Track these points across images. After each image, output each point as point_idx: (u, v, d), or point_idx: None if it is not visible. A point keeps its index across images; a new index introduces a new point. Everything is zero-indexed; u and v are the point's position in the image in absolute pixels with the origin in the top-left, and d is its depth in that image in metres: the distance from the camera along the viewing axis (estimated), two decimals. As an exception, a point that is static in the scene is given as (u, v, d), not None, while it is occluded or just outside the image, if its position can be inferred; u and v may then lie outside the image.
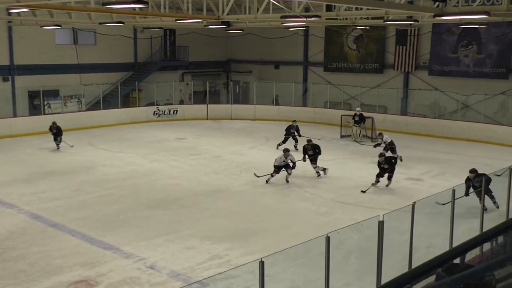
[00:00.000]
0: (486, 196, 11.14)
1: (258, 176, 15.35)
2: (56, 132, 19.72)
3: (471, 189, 11.68)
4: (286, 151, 15.26)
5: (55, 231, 11.53)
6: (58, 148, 19.71)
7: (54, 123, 19.79)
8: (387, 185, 14.92)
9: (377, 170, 14.99)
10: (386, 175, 14.94)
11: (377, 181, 14.80)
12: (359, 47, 28.35)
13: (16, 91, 24.74)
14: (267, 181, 15.20)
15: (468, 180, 11.97)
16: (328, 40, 29.21)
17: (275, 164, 15.20)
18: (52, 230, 11.56)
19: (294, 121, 20.60)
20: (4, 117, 22.81)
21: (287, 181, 15.28)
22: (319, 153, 16.23)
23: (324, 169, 16.21)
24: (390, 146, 17.69)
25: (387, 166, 14.75)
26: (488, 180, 11.27)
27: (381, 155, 14.93)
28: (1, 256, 10.19)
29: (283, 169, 15.22)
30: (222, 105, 29.08)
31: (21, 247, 10.63)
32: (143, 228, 11.74)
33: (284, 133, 20.32)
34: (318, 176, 16.00)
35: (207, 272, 9.44)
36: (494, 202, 11.99)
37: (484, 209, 11.29)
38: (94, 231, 11.48)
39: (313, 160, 16.18)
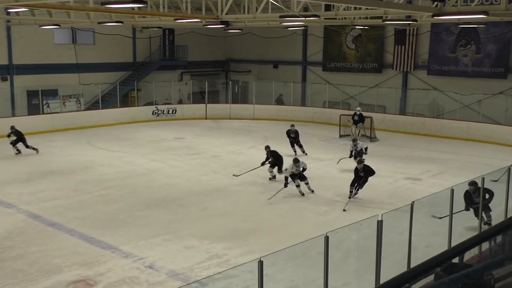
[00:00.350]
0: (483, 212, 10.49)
1: (236, 175, 15.06)
2: (16, 138, 18.55)
3: (471, 201, 10.78)
4: (295, 161, 14.23)
5: (54, 230, 11.52)
6: (18, 153, 18.58)
7: (12, 127, 18.66)
8: (349, 197, 13.69)
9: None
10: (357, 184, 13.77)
11: (351, 192, 13.75)
12: (358, 47, 28.36)
13: (15, 91, 24.72)
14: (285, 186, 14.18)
15: (467, 193, 10.79)
16: (327, 39, 29.23)
17: (286, 175, 14.27)
18: (51, 230, 11.55)
19: (292, 125, 19.47)
20: (3, 117, 22.76)
21: (312, 191, 14.37)
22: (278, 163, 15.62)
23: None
24: (362, 152, 16.61)
25: (363, 174, 13.63)
26: (491, 195, 10.60)
27: (360, 161, 14.01)
28: (0, 256, 10.19)
29: (296, 178, 14.19)
30: (221, 105, 29.08)
31: (20, 246, 10.63)
32: (142, 227, 11.74)
33: (286, 136, 19.34)
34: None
35: (206, 271, 9.45)
36: (487, 223, 10.85)
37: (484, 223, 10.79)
38: (93, 230, 11.47)
39: (275, 166, 15.66)
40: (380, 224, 7.54)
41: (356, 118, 22.14)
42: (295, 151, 18.92)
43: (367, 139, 22.16)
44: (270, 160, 15.82)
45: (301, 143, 19.17)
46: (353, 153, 16.56)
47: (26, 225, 11.81)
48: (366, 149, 16.88)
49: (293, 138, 19.14)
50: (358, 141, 17.29)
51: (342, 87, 27.77)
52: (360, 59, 28.26)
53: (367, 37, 27.70)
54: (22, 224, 11.87)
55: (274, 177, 15.69)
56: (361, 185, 13.76)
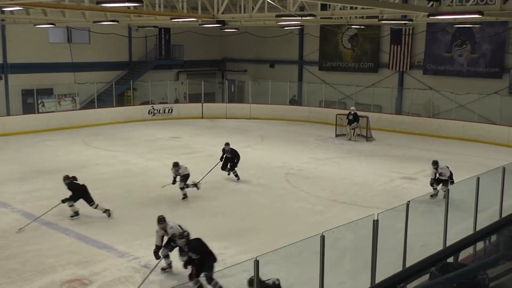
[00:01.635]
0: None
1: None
2: None
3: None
4: (159, 221, 9.41)
5: (48, 229, 11.48)
6: None
7: None
8: None
9: None
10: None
11: None
12: (354, 46, 28.39)
13: (9, 90, 24.63)
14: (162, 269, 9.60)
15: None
16: (323, 39, 29.24)
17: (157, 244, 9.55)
18: (45, 229, 11.51)
19: (227, 143, 15.79)
20: (-2, 116, 22.75)
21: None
22: None
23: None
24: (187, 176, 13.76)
25: (194, 256, 8.58)
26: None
27: (181, 236, 8.70)
28: (-6, 255, 10.15)
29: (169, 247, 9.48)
30: (217, 104, 29.07)
31: (14, 246, 10.58)
32: (137, 226, 11.70)
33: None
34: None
35: (201, 271, 9.40)
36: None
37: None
38: (87, 230, 11.44)
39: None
40: (376, 223, 7.54)
41: (350, 117, 22.17)
42: (228, 174, 15.78)
43: (363, 138, 22.20)
44: None
45: (237, 168, 15.67)
46: (176, 179, 13.69)
47: (20, 224, 11.74)
48: (187, 178, 13.72)
49: (229, 158, 15.68)
50: (181, 164, 13.70)
51: (338, 87, 27.79)
52: (356, 58, 28.29)
53: (363, 36, 27.72)
54: (16, 223, 11.81)
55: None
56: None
